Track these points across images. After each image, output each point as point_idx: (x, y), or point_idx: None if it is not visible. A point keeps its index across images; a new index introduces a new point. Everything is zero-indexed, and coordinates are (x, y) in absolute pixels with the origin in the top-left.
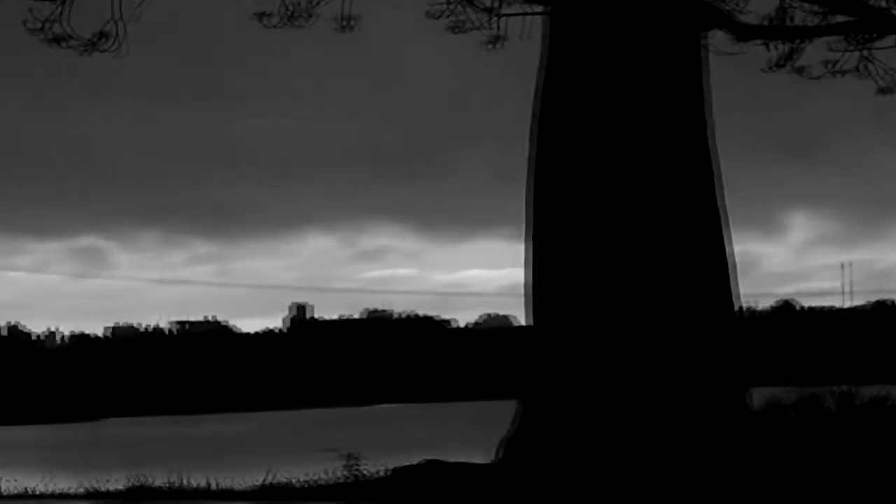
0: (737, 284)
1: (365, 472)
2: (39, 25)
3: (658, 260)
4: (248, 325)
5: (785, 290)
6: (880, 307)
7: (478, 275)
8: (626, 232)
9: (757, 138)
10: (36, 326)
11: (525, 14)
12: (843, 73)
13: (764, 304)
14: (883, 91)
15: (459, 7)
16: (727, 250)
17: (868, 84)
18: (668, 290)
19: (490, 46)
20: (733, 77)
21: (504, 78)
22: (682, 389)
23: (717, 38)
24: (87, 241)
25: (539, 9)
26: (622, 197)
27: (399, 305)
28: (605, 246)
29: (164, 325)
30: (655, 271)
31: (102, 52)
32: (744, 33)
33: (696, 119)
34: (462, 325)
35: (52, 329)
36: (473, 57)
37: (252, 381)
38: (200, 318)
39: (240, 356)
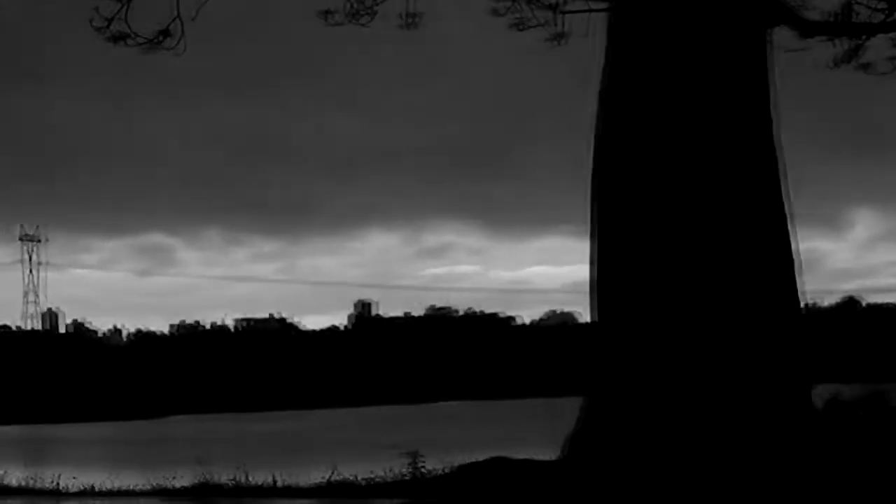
0: (802, 281)
1: (428, 469)
2: (104, 24)
3: (723, 257)
4: (312, 322)
5: (849, 287)
6: None
7: (541, 272)
8: (690, 228)
9: (823, 135)
10: (101, 324)
11: (588, 11)
12: None
13: (828, 300)
14: None
15: (522, 4)
16: (792, 247)
17: None
18: (732, 286)
19: (553, 43)
20: (801, 74)
21: (567, 75)
22: (747, 386)
23: (782, 35)
24: (152, 238)
25: (602, 5)
26: (687, 193)
27: (462, 303)
28: (669, 243)
29: (228, 322)
30: (720, 268)
31: (164, 50)
32: (808, 30)
33: (762, 115)
34: (526, 322)
35: (117, 326)
36: (536, 54)
37: (316, 378)
38: (264, 316)
39: (303, 353)
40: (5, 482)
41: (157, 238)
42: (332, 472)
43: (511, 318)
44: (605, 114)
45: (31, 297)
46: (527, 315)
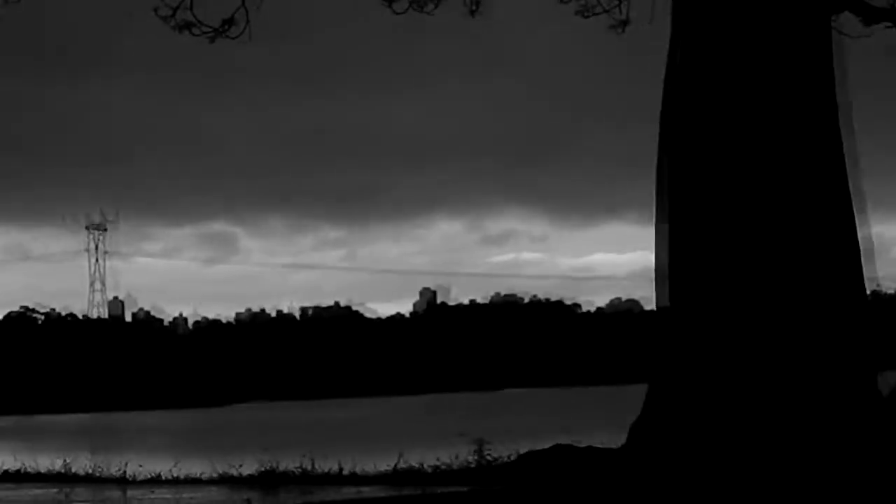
0: (872, 267)
1: (494, 456)
2: (170, 12)
3: (789, 243)
4: (378, 309)
5: None
6: None
7: (606, 258)
8: (756, 215)
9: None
10: (167, 312)
11: None
12: None
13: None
14: None
15: None
16: (862, 233)
17: None
18: (799, 273)
19: (618, 30)
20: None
21: (631, 61)
22: (812, 374)
23: (845, 20)
24: (217, 226)
25: None
26: (753, 180)
27: (527, 290)
28: (735, 230)
29: (293, 310)
30: (787, 255)
31: (229, 38)
32: (872, 16)
33: (827, 101)
34: (590, 308)
35: (183, 315)
36: (601, 41)
37: (382, 365)
38: (330, 303)
39: (369, 341)
40: (72, 470)
41: (221, 226)
42: (399, 460)
43: (576, 306)
44: (670, 101)
45: (98, 286)
46: (591, 302)
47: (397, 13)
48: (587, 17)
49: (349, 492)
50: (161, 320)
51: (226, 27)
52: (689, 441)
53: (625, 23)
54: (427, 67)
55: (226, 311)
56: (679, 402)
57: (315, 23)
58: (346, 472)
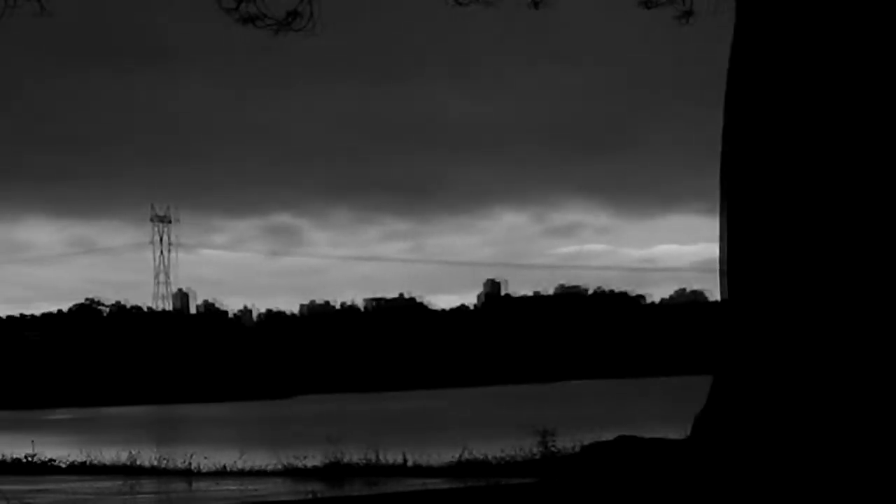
0: None
1: (559, 447)
2: (234, 5)
3: (857, 234)
4: (442, 301)
5: None
6: None
7: (670, 250)
8: (821, 206)
9: None
10: (231, 304)
11: None
12: None
13: None
14: None
15: None
16: None
17: None
18: (867, 265)
19: (682, 21)
20: None
21: (696, 51)
22: (879, 370)
23: None
24: (281, 219)
25: None
26: (817, 170)
27: (591, 281)
28: (800, 221)
29: (357, 302)
30: (854, 246)
31: (295, 31)
32: None
33: None
34: (655, 300)
35: (248, 307)
36: (665, 31)
37: (446, 357)
38: (395, 295)
39: (433, 332)
40: (138, 462)
41: (285, 218)
42: (464, 451)
43: (641, 297)
44: (734, 92)
45: (163, 278)
46: (656, 294)
47: (462, 4)
48: (650, 7)
49: (414, 484)
50: (226, 312)
51: (290, 19)
52: (754, 434)
53: (689, 13)
54: (492, 57)
55: (290, 304)
56: (744, 395)
57: (381, 14)
58: (410, 463)
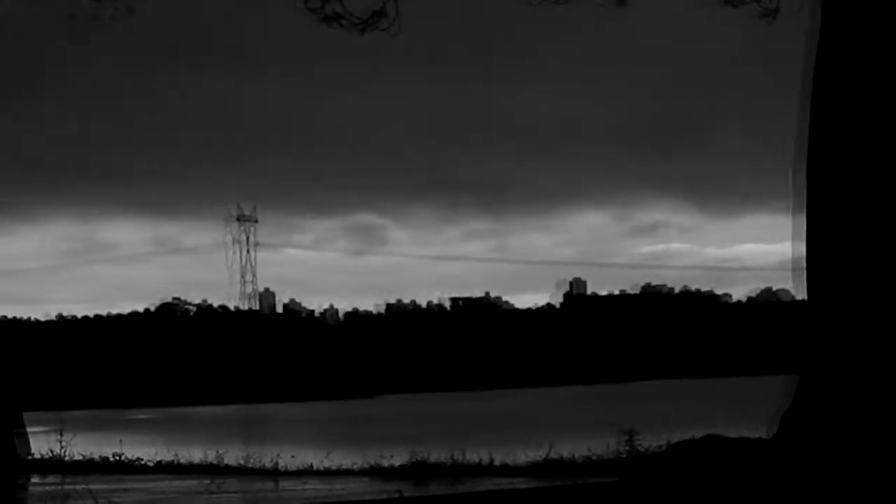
0: None
1: (644, 447)
2: (319, 4)
3: None
4: (523, 300)
5: None
6: None
7: (753, 249)
8: None
9: None
10: (314, 303)
11: None
12: None
13: None
14: None
15: None
16: None
17: None
18: None
19: (767, 20)
20: None
21: (781, 49)
22: None
23: None
24: (363, 218)
25: None
26: None
27: (675, 280)
28: (884, 220)
29: (442, 301)
30: None
31: (381, 30)
32: None
33: None
34: (738, 299)
35: (333, 306)
36: (746, 29)
37: (528, 356)
38: (475, 294)
39: (515, 332)
40: (224, 461)
41: (368, 218)
42: (549, 450)
43: (725, 296)
44: (820, 91)
45: (248, 277)
46: (738, 293)
47: (534, 5)
48: (736, 6)
49: (499, 483)
50: (312, 311)
51: (375, 19)
52: (840, 433)
53: (775, 11)
54: (575, 55)
55: (373, 303)
56: (830, 394)
57: (460, 13)
58: (495, 463)
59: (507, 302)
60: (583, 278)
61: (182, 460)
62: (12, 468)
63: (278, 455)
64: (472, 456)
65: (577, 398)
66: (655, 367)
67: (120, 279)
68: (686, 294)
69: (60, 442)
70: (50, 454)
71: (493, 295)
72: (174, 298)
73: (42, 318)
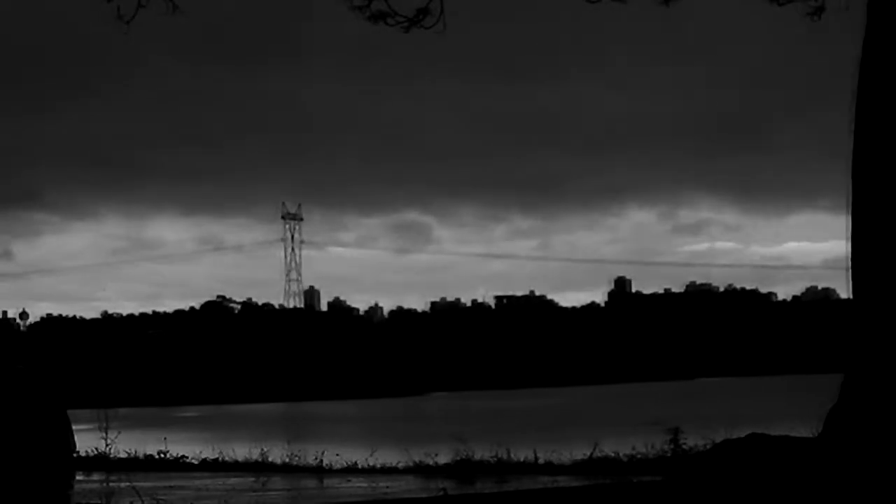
0: None
1: (689, 445)
2: (365, 2)
3: None
4: (569, 299)
5: None
6: None
7: (800, 247)
8: None
9: None
10: (359, 301)
11: None
12: None
13: None
14: None
15: None
16: None
17: None
18: None
19: (813, 18)
20: None
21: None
22: None
23: None
24: (409, 216)
25: None
26: None
27: (721, 279)
28: None
29: (488, 299)
30: None
31: (425, 28)
32: None
33: None
34: (783, 298)
35: (378, 304)
36: (795, 27)
37: (573, 355)
38: (520, 293)
39: (560, 330)
40: (269, 459)
41: (413, 216)
42: (595, 449)
43: (773, 294)
44: (866, 89)
45: (294, 276)
46: (785, 291)
47: (591, 2)
48: (782, 4)
49: (544, 481)
50: (357, 309)
51: (420, 17)
52: (887, 432)
53: (821, 9)
54: (622, 54)
55: (417, 301)
56: (876, 393)
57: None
58: (540, 461)
59: (552, 300)
60: (628, 276)
61: (227, 458)
62: (68, 465)
63: (323, 453)
64: (518, 454)
65: (623, 396)
66: (701, 365)
67: (166, 277)
68: (732, 292)
69: (106, 439)
70: (95, 451)
71: (538, 293)
72: (219, 296)
73: (88, 316)
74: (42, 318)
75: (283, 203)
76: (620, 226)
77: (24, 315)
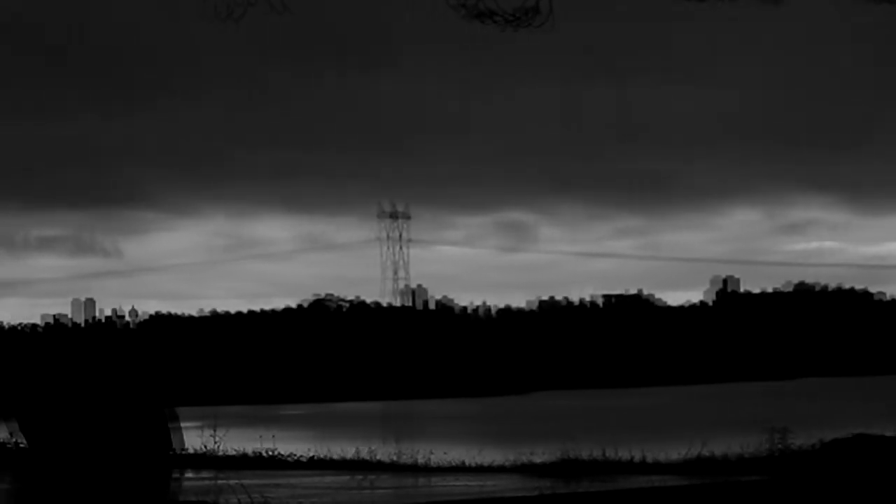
0: None
1: (796, 445)
2: (472, 0)
3: None
4: (674, 298)
5: None
6: None
7: None
8: None
9: None
10: (465, 300)
11: None
12: None
13: None
14: None
15: None
16: None
17: None
18: None
19: None
20: None
21: None
22: None
23: None
24: (513, 215)
25: None
26: None
27: (825, 278)
28: None
29: (595, 298)
30: None
31: (535, 27)
32: None
33: None
34: (892, 297)
35: (485, 302)
36: None
37: (678, 354)
38: (624, 291)
39: (665, 329)
40: (376, 457)
41: (517, 214)
42: (701, 448)
43: (879, 294)
44: None
45: (401, 274)
46: (891, 290)
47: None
48: (879, 3)
49: (648, 480)
50: (464, 308)
51: (529, 15)
52: None
53: None
54: (729, 52)
55: (522, 300)
56: None
57: (611, 6)
58: (647, 460)
59: (659, 299)
60: (735, 276)
61: (335, 456)
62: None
63: (430, 451)
64: (624, 453)
65: (728, 396)
66: (809, 365)
67: (272, 275)
68: (839, 292)
69: (214, 437)
70: (203, 449)
71: (645, 292)
72: (327, 295)
73: (196, 314)
74: (150, 316)
75: (390, 202)
76: (726, 225)
77: (133, 313)
